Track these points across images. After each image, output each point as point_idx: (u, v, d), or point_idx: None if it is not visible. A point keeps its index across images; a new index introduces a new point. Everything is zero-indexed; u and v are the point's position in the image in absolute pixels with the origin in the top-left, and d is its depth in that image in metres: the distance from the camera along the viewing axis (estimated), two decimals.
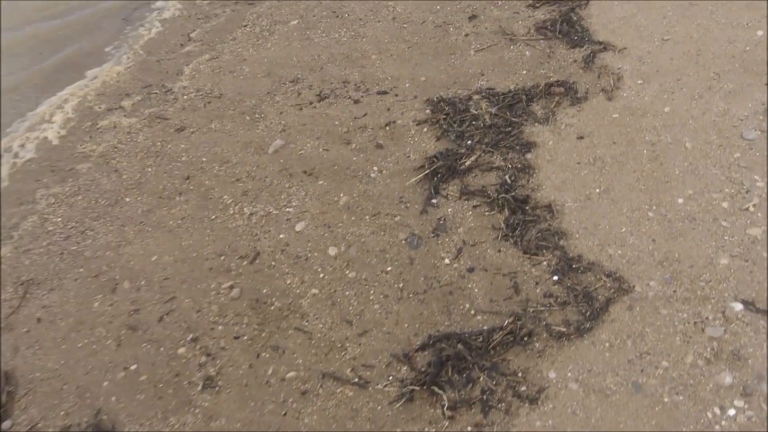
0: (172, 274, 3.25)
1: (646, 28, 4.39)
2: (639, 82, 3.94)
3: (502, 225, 3.16)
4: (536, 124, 3.75)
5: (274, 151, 3.93)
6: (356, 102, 4.21)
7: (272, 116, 4.23)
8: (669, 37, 4.25)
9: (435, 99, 4.05)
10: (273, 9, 5.49)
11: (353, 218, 3.38)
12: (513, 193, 3.30)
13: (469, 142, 3.69)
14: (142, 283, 3.24)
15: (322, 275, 3.11)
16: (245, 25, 5.33)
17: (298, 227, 3.39)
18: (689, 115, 3.62)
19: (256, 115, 4.27)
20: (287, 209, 3.51)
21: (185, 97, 4.58)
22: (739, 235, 2.91)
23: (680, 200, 3.15)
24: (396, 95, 4.22)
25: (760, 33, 4.15)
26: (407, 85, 4.29)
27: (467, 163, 3.55)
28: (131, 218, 3.61)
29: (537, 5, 4.83)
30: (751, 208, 3.03)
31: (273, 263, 3.21)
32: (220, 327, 2.93)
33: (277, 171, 3.78)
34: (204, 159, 3.97)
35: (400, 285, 2.99)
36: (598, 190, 3.27)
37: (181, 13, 5.76)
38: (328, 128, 4.04)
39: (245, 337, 2.86)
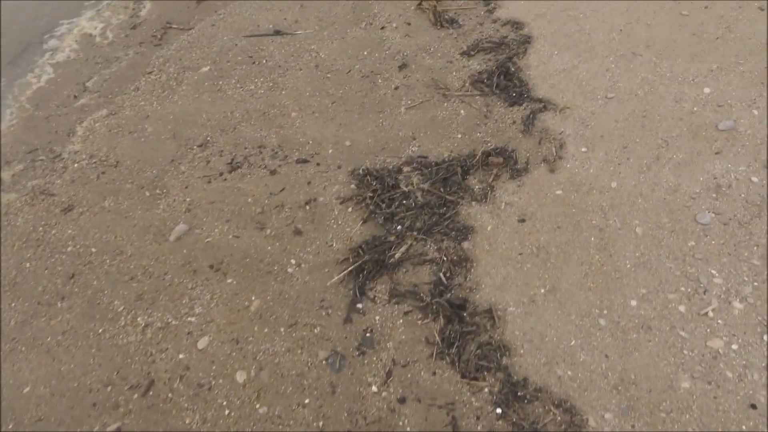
0: (47, 413, 2.69)
1: (588, 83, 4.06)
2: (583, 149, 3.59)
3: (437, 338, 2.74)
4: (473, 203, 3.35)
5: (177, 239, 3.38)
6: (273, 173, 3.71)
7: (176, 191, 3.68)
8: (613, 95, 3.93)
9: (361, 171, 3.60)
10: (182, 52, 4.90)
11: (266, 330, 2.89)
12: (449, 296, 2.88)
13: (399, 227, 3.26)
14: (10, 426, 2.65)
15: (227, 411, 2.61)
16: (150, 72, 4.72)
17: (201, 343, 2.87)
18: (638, 191, 3.29)
19: (158, 191, 3.70)
20: (189, 318, 2.98)
21: (76, 165, 3.96)
22: (699, 348, 2.59)
23: (633, 302, 2.81)
24: (318, 164, 3.74)
25: (707, 90, 3.89)
26: (330, 151, 3.82)
27: (397, 255, 3.11)
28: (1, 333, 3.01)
29: (472, 53, 4.44)
30: (710, 313, 2.71)
31: (170, 395, 2.69)
32: None
33: (179, 265, 3.24)
34: (93, 249, 3.39)
35: (320, 423, 2.52)
36: (543, 290, 2.89)
37: (78, 55, 5.09)
38: (240, 207, 3.52)
39: None
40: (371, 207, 3.40)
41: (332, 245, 3.26)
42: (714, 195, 3.23)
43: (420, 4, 5.04)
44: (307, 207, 3.49)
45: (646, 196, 3.28)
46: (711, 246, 2.99)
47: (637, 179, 3.38)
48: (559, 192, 3.38)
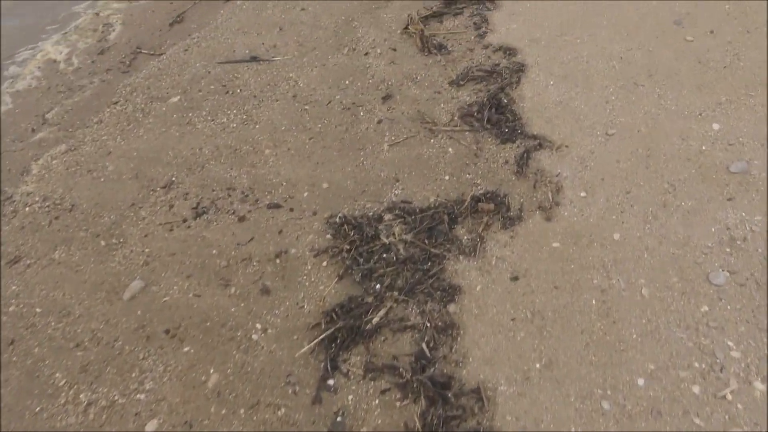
0: None
1: (586, 117, 3.73)
2: (582, 194, 3.26)
3: (418, 424, 2.38)
4: (461, 257, 3.01)
5: (131, 298, 3.03)
6: (241, 220, 3.36)
7: (134, 240, 3.33)
8: (614, 131, 3.60)
9: (338, 219, 3.26)
10: (151, 80, 4.56)
11: (224, 411, 2.54)
12: (432, 372, 2.53)
13: (378, 285, 2.92)
14: None
15: None
16: (116, 103, 4.38)
17: (150, 426, 2.51)
18: (643, 245, 2.96)
19: (114, 240, 3.35)
20: (138, 395, 2.62)
21: (27, 209, 3.61)
22: None
23: (640, 381, 2.47)
24: (291, 209, 3.39)
25: (715, 126, 3.56)
26: (306, 194, 3.48)
27: (375, 321, 2.76)
28: None
29: (461, 83, 4.11)
30: (729, 396, 2.37)
31: None
32: None
33: (132, 330, 2.89)
34: (38, 309, 3.04)
35: None
36: (538, 365, 2.55)
37: (39, 83, 4.75)
38: (204, 260, 3.17)
39: None
40: (348, 261, 3.06)
41: (303, 306, 2.92)
42: (728, 249, 2.90)
43: (406, 28, 4.72)
44: (278, 260, 3.14)
45: (652, 251, 2.94)
46: (726, 312, 2.66)
47: (643, 230, 3.05)
48: (556, 244, 3.04)
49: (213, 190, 3.61)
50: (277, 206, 3.46)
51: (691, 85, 3.92)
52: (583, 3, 4.79)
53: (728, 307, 2.69)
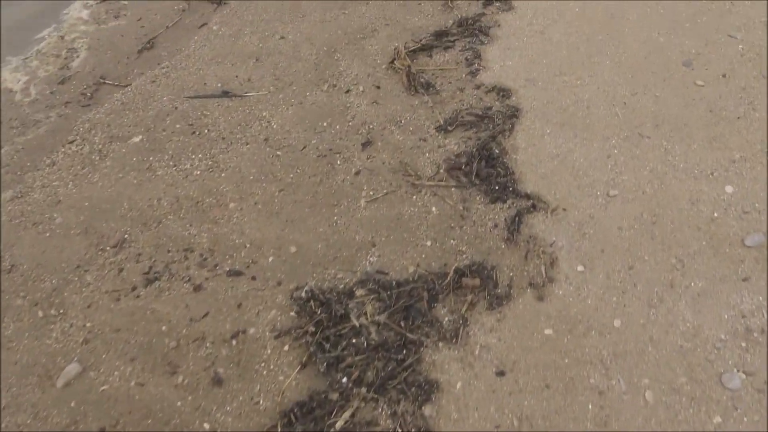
0: None
1: (586, 174, 3.39)
2: (579, 268, 2.92)
3: None
4: (441, 344, 2.67)
5: (65, 384, 2.69)
6: (197, 289, 3.01)
7: (76, 312, 2.98)
8: (616, 192, 3.26)
9: (304, 294, 2.92)
10: (113, 116, 4.21)
11: None
12: None
13: (345, 378, 2.57)
14: None
15: None
16: (71, 142, 4.04)
17: None
18: (647, 335, 2.62)
19: (53, 311, 3.01)
20: None
21: None
22: None
23: None
24: (253, 278, 3.04)
25: (729, 189, 3.22)
26: (271, 259, 3.13)
27: (339, 425, 2.42)
28: None
29: (449, 129, 3.76)
30: None
31: None
32: None
33: (63, 426, 2.53)
34: None
35: None
36: None
37: None
38: (151, 339, 2.82)
39: None
40: (312, 347, 2.72)
41: (259, 402, 2.57)
42: (743, 344, 2.56)
43: (392, 62, 4.38)
44: (234, 342, 2.79)
45: (657, 343, 2.60)
46: (743, 425, 2.31)
47: (647, 316, 2.70)
48: (548, 331, 2.70)
49: (168, 251, 3.26)
50: (238, 273, 3.12)
51: (702, 139, 3.59)
52: (586, 38, 4.46)
53: (745, 419, 2.35)
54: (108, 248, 3.34)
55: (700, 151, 3.52)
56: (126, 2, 5.73)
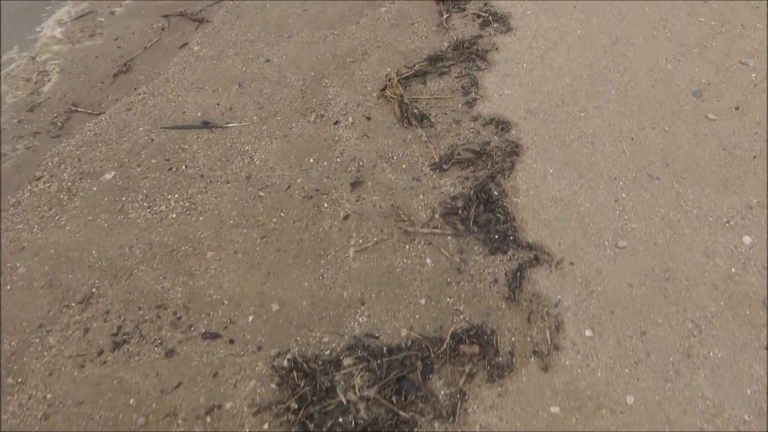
0: None
1: (592, 221, 3.15)
2: (587, 333, 2.68)
3: None
4: (436, 423, 2.43)
5: None
6: (169, 354, 2.76)
7: (36, 380, 2.73)
8: (625, 243, 3.02)
9: (286, 362, 2.66)
10: (84, 149, 3.94)
11: None
12: None
13: None
14: None
15: None
16: (39, 178, 3.76)
17: None
18: (664, 414, 2.39)
19: (11, 378, 2.76)
20: None
21: None
22: None
23: None
24: (231, 341, 2.79)
25: (747, 240, 2.99)
26: (251, 318, 2.88)
27: None
28: None
29: (445, 167, 3.52)
30: None
31: None
32: None
33: None
34: None
35: None
36: None
37: None
38: (117, 414, 2.57)
39: None
40: (295, 428, 2.45)
41: None
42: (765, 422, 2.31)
43: (384, 90, 4.12)
44: (209, 418, 2.54)
45: (675, 424, 2.38)
46: None
47: (663, 392, 2.47)
48: (555, 409, 2.46)
49: (139, 309, 3.00)
50: (215, 336, 2.86)
51: (716, 181, 3.36)
52: (589, 64, 4.22)
53: None
54: (74, 304, 3.07)
55: (715, 196, 3.29)
56: (102, 19, 5.45)
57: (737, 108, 3.82)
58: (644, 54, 4.30)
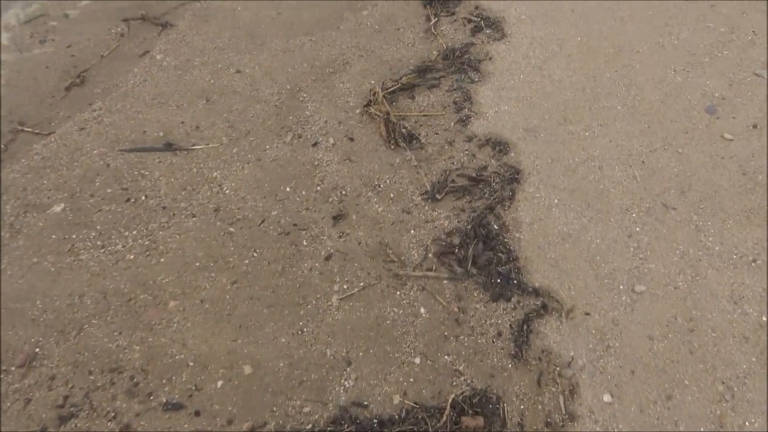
0: None
1: (605, 259, 2.82)
2: (606, 398, 2.36)
3: None
4: None
5: None
6: (125, 431, 2.36)
7: None
8: (642, 288, 2.71)
9: None
10: (30, 176, 3.51)
11: None
12: None
13: None
14: None
15: None
16: None
17: None
18: None
19: None
20: None
21: None
22: None
23: None
24: (197, 413, 2.42)
25: None
26: (220, 384, 2.51)
27: None
28: None
29: (438, 196, 3.16)
30: None
31: None
32: None
33: None
34: None
35: None
36: None
37: None
38: None
39: None
40: None
41: None
42: None
43: (368, 107, 3.74)
44: None
45: None
46: None
47: None
48: None
49: (90, 373, 2.60)
50: (178, 407, 2.48)
51: (737, 211, 3.05)
52: (592, 76, 3.90)
53: None
54: (13, 368, 2.66)
55: (737, 229, 2.98)
56: (55, 23, 4.97)
57: (755, 126, 3.52)
58: (651, 64, 3.98)
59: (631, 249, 2.96)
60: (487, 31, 4.39)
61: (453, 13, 4.65)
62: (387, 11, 4.77)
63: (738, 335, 2.60)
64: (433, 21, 4.55)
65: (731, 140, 3.47)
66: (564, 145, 3.52)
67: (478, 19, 4.48)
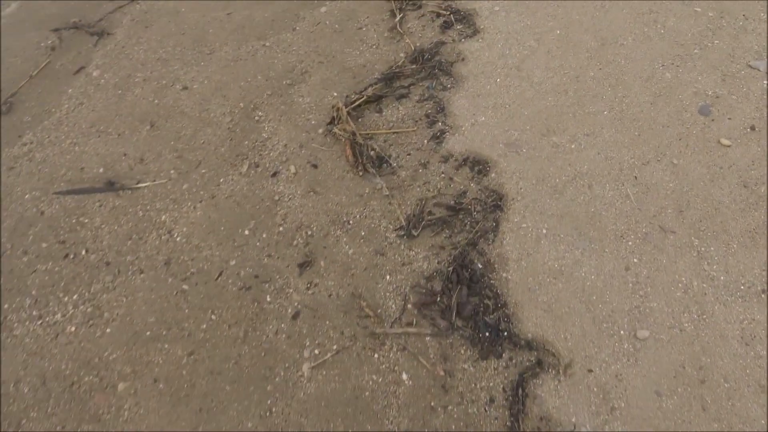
0: None
1: (602, 300, 2.54)
2: None
3: None
4: None
5: None
6: None
7: None
8: (646, 333, 2.44)
9: None
10: None
11: None
12: None
13: None
14: None
15: None
16: None
17: None
18: None
19: None
20: None
21: None
22: None
23: None
24: None
25: None
26: None
27: None
28: None
29: (414, 232, 2.83)
30: None
31: None
32: None
33: None
34: None
35: None
36: None
37: None
38: None
39: None
40: None
41: None
42: None
43: (330, 124, 3.36)
44: None
45: None
46: None
47: None
48: None
49: None
50: None
51: (741, 231, 2.77)
52: (575, 76, 3.57)
53: None
54: None
55: (742, 253, 2.70)
56: None
57: (752, 128, 3.22)
58: (637, 59, 3.63)
59: (630, 285, 2.66)
60: (458, 27, 3.98)
61: (420, 7, 4.23)
62: (347, 7, 4.32)
63: (753, 384, 2.35)
64: (398, 17, 4.12)
65: (729, 146, 3.17)
66: (549, 160, 3.18)
67: (448, 13, 4.07)
